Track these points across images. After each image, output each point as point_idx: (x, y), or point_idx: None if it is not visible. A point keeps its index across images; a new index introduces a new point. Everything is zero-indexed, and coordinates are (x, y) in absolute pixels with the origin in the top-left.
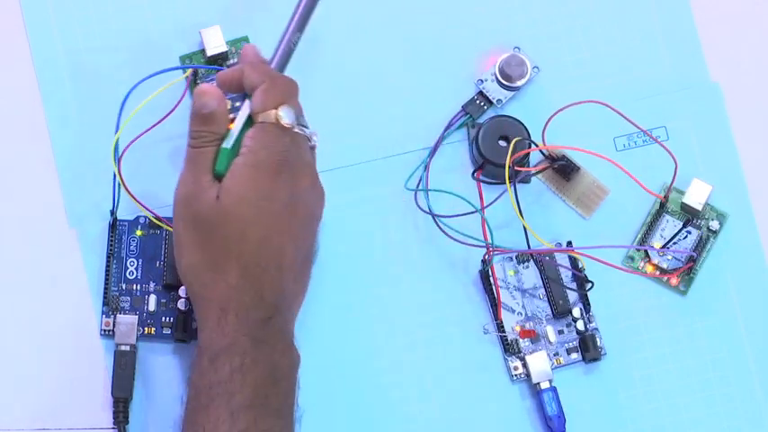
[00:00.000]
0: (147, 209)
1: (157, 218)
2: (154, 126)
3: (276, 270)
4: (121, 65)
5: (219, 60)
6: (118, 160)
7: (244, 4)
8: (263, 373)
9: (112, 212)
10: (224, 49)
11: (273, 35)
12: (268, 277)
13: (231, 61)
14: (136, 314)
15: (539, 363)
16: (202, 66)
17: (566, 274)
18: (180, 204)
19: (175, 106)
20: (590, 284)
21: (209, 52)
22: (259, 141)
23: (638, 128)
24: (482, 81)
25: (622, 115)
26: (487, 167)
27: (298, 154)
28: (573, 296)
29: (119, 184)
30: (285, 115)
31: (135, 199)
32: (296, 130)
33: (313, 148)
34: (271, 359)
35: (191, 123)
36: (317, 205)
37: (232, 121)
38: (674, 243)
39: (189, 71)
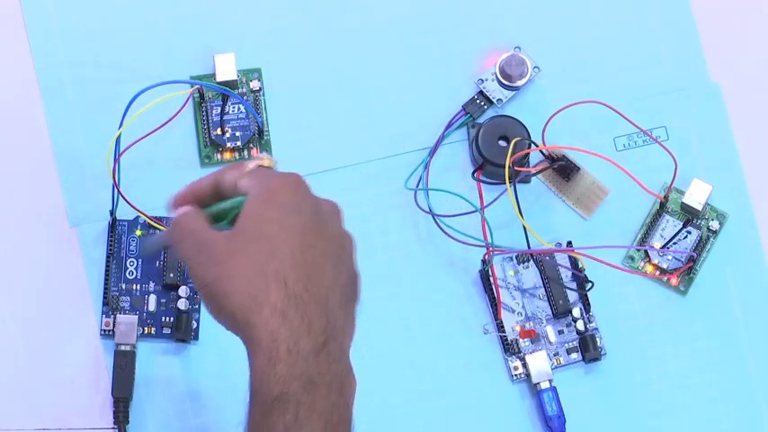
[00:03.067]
0: (139, 211)
1: (152, 218)
2: (154, 131)
3: (318, 288)
4: (122, 66)
5: (228, 88)
6: (115, 161)
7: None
8: (318, 423)
9: (112, 212)
10: (234, 77)
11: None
12: (311, 297)
13: (240, 90)
14: (136, 314)
15: (539, 363)
16: (210, 85)
17: (566, 274)
18: (191, 252)
19: (178, 112)
20: (590, 284)
21: (219, 78)
22: (260, 175)
23: (638, 128)
24: (482, 81)
25: (622, 115)
26: (487, 167)
27: (316, 195)
28: (573, 296)
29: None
30: (267, 157)
31: (128, 201)
32: None
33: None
34: (326, 403)
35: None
36: (345, 236)
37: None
38: (674, 243)
39: (195, 87)
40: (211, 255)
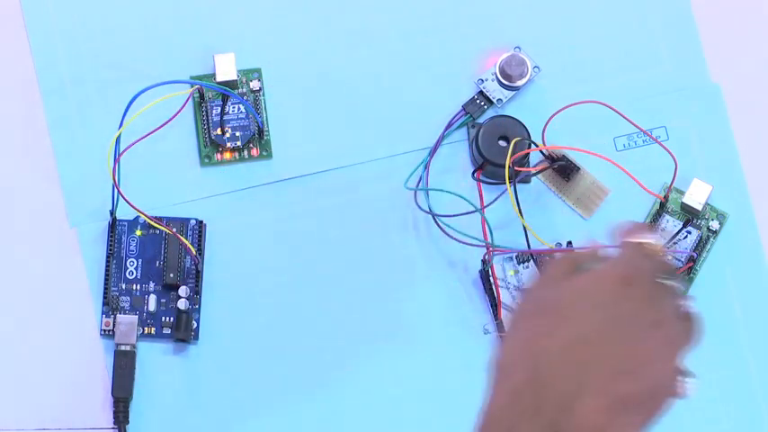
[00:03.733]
0: (139, 211)
1: (152, 218)
2: (154, 131)
3: (573, 382)
4: (122, 66)
5: (228, 88)
6: (115, 161)
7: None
8: None
9: (112, 212)
10: (234, 77)
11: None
12: (558, 387)
13: (240, 90)
14: (136, 314)
15: None
16: (210, 85)
17: None
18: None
19: (178, 112)
20: None
21: (219, 78)
22: (619, 253)
23: (638, 128)
24: (482, 81)
25: (622, 115)
26: (487, 167)
27: (658, 299)
28: None
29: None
30: (652, 238)
31: (128, 201)
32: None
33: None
34: None
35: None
36: (658, 352)
37: None
38: (674, 243)
39: (195, 87)
40: (521, 306)
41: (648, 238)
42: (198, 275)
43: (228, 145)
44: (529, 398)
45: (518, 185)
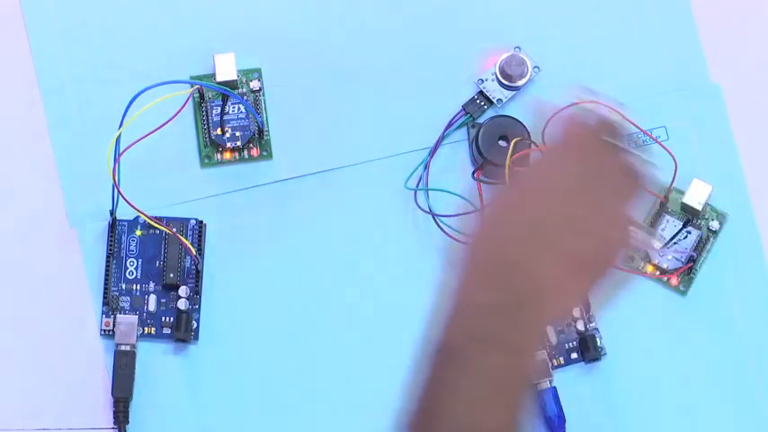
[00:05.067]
0: (139, 211)
1: (152, 218)
2: (154, 131)
3: (527, 246)
4: (122, 66)
5: (228, 88)
6: (115, 161)
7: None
8: (482, 379)
9: (112, 212)
10: (234, 77)
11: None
12: (513, 250)
13: (240, 90)
14: (136, 314)
15: (538, 363)
16: (210, 85)
17: None
18: None
19: (178, 112)
20: None
21: (219, 78)
22: (565, 121)
23: (638, 128)
24: (482, 81)
25: (622, 115)
26: (487, 167)
27: (614, 165)
28: None
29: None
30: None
31: (128, 201)
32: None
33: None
34: (495, 363)
35: None
36: (615, 211)
37: None
38: (674, 243)
39: (195, 87)
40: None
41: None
42: (198, 275)
43: (228, 145)
44: (493, 270)
45: None
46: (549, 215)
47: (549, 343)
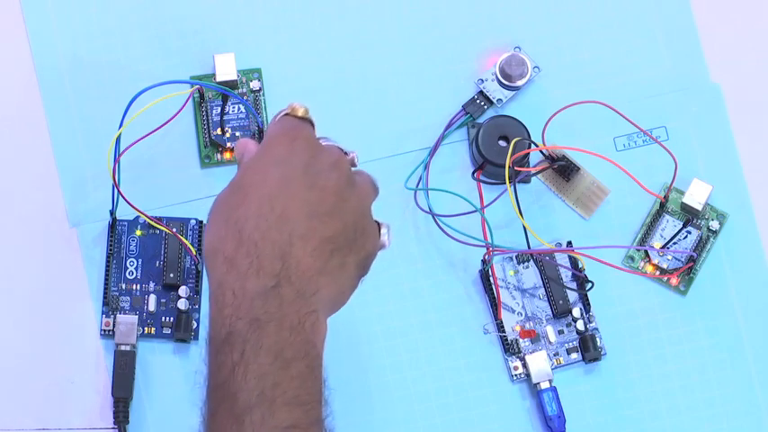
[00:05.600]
0: (139, 211)
1: (152, 218)
2: (154, 131)
3: (280, 235)
4: (122, 66)
5: (228, 88)
6: (115, 161)
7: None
8: (267, 359)
9: (112, 212)
10: (234, 77)
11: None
12: (268, 242)
13: (240, 90)
14: (136, 314)
15: (539, 363)
16: (210, 85)
17: (566, 274)
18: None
19: (178, 112)
20: (590, 284)
21: (219, 78)
22: (273, 125)
23: (638, 128)
24: (482, 81)
25: (622, 115)
26: (487, 167)
27: (321, 147)
28: (573, 296)
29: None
30: (299, 105)
31: (128, 201)
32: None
33: (353, 164)
34: (276, 340)
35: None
36: (346, 188)
37: None
38: (674, 243)
39: (195, 87)
40: (213, 204)
41: (294, 105)
42: (198, 275)
43: (228, 145)
44: (245, 260)
45: (518, 185)
46: (293, 200)
47: (549, 343)
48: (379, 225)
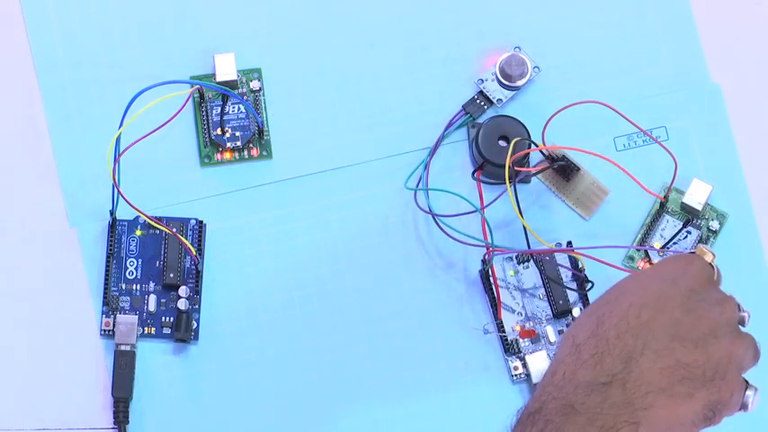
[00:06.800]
0: (139, 211)
1: (152, 218)
2: (154, 131)
3: (635, 342)
4: (122, 66)
5: (228, 88)
6: (115, 161)
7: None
8: None
9: (112, 212)
10: (234, 77)
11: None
12: (620, 343)
13: (240, 90)
14: (136, 314)
15: (539, 363)
16: (210, 85)
17: (566, 274)
18: None
19: (178, 112)
20: (590, 284)
21: (219, 78)
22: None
23: (638, 128)
24: (482, 81)
25: (622, 115)
26: (487, 167)
27: (714, 284)
28: (573, 296)
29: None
30: (708, 250)
31: (128, 201)
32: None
33: (741, 320)
34: (577, 430)
35: None
36: (720, 329)
37: None
38: (674, 243)
39: (195, 87)
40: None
41: (702, 247)
42: (198, 275)
43: (228, 145)
44: (590, 350)
45: (518, 185)
46: (665, 315)
47: (550, 343)
48: (747, 385)
